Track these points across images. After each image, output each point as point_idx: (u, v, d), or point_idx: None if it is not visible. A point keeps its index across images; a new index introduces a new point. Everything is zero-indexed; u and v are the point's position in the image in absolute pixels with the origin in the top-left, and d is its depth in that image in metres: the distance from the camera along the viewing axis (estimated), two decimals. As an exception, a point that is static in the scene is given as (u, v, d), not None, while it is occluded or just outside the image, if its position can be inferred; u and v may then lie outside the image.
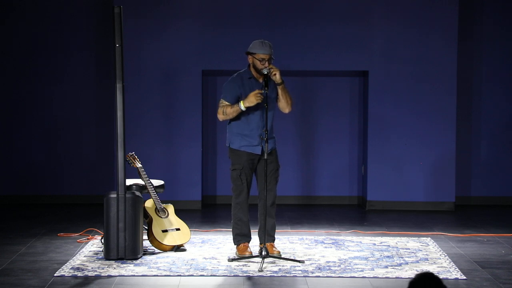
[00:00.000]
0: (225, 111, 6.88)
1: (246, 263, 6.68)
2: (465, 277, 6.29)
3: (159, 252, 7.03)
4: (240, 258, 6.79)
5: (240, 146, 6.89)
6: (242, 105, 6.82)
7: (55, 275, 6.29)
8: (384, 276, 6.32)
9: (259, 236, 6.92)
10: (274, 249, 6.89)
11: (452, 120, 9.55)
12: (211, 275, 6.33)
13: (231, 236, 6.91)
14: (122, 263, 6.65)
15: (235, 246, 6.97)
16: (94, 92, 9.83)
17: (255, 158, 6.90)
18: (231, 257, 6.81)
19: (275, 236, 7.03)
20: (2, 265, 6.59)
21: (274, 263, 6.67)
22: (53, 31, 9.73)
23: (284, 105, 7.01)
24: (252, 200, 7.09)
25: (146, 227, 7.14)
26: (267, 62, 6.83)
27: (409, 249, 7.29)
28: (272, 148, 6.91)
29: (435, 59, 9.53)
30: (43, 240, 7.59)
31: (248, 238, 6.95)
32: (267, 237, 6.80)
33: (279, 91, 6.93)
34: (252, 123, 6.88)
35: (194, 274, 6.35)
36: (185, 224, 7.26)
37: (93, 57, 9.79)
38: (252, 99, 6.79)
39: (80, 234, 7.78)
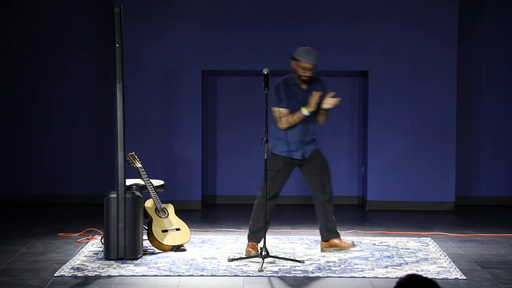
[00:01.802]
0: (289, 120, 6.85)
1: (246, 263, 6.68)
2: (465, 277, 6.29)
3: (159, 252, 7.03)
4: (240, 258, 6.80)
5: (280, 151, 6.93)
6: (306, 111, 6.84)
7: (55, 275, 6.29)
8: (384, 276, 6.32)
9: (321, 234, 7.08)
10: (345, 242, 7.06)
11: (452, 120, 9.55)
12: (211, 275, 6.33)
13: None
14: (122, 263, 6.65)
15: (249, 242, 7.01)
16: (94, 92, 9.83)
17: (294, 163, 6.98)
18: (231, 257, 6.81)
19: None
20: (2, 265, 6.59)
21: (274, 263, 6.67)
22: (53, 31, 9.73)
23: (322, 120, 7.08)
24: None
25: (146, 227, 7.15)
26: (308, 72, 6.85)
27: (409, 249, 7.29)
28: (314, 149, 7.05)
29: (435, 59, 9.53)
30: (43, 240, 7.59)
31: (259, 238, 6.96)
32: (333, 234, 7.03)
33: (323, 111, 6.97)
34: (294, 128, 6.91)
35: (194, 274, 6.35)
36: (185, 224, 7.26)
37: (93, 57, 9.79)
38: (312, 102, 6.83)
39: (80, 234, 7.78)
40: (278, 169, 6.92)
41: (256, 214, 6.98)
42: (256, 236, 6.98)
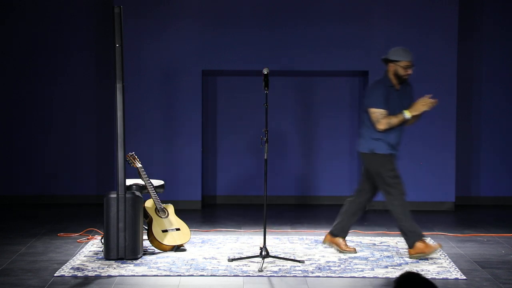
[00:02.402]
0: (390, 121, 6.83)
1: (246, 263, 6.68)
2: (465, 277, 6.29)
3: (159, 252, 7.03)
4: (240, 258, 6.80)
5: (385, 150, 6.89)
6: (408, 114, 6.84)
7: (55, 275, 6.29)
8: (384, 276, 6.33)
9: (334, 227, 7.10)
10: (348, 246, 7.10)
11: (452, 120, 9.55)
12: (211, 275, 6.33)
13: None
14: (122, 263, 6.65)
15: (414, 244, 6.90)
16: (94, 92, 9.83)
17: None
18: (231, 257, 6.81)
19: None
20: (2, 265, 6.59)
21: (274, 263, 6.67)
22: (53, 31, 9.73)
23: (412, 122, 7.05)
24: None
25: (146, 227, 7.14)
26: (410, 70, 6.84)
27: (409, 249, 7.29)
28: None
29: (435, 59, 9.53)
30: (43, 240, 7.59)
31: (420, 234, 6.92)
32: (344, 234, 7.10)
33: (413, 118, 6.96)
34: (394, 129, 6.89)
35: (194, 274, 6.35)
36: (185, 224, 7.26)
37: (93, 57, 9.79)
38: (419, 107, 6.84)
39: (80, 234, 7.78)
40: (396, 167, 6.92)
41: (405, 214, 6.89)
42: (416, 233, 6.88)
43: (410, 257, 6.88)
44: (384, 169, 6.87)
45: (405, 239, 6.94)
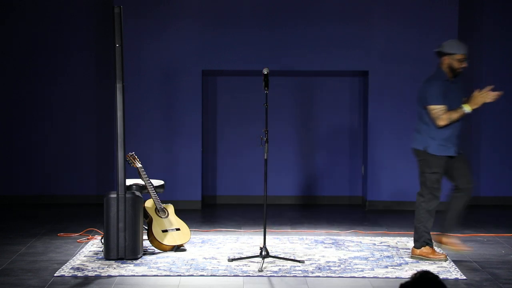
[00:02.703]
0: (450, 117, 6.71)
1: (246, 263, 6.68)
2: (465, 277, 6.29)
3: (159, 252, 7.03)
4: (240, 258, 6.80)
5: (439, 150, 6.79)
6: (468, 108, 6.73)
7: (55, 275, 6.29)
8: (384, 276, 6.32)
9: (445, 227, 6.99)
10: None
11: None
12: (211, 275, 6.33)
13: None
14: (122, 263, 6.65)
15: (422, 247, 6.87)
16: (94, 92, 9.83)
17: (449, 161, 6.87)
18: (231, 257, 6.81)
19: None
20: (2, 265, 6.59)
21: (274, 263, 6.67)
22: (53, 31, 9.73)
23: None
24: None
25: (146, 227, 7.14)
26: (465, 63, 6.77)
27: (409, 249, 7.28)
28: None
29: (435, 59, 9.50)
30: (43, 240, 7.59)
31: (449, 228, 6.94)
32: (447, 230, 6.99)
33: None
34: (451, 125, 6.78)
35: (194, 274, 6.35)
36: (185, 224, 7.25)
37: (93, 57, 9.79)
38: (479, 100, 6.73)
39: (80, 234, 7.78)
40: (443, 170, 6.83)
41: (425, 226, 6.81)
42: (428, 239, 6.84)
43: (412, 257, 6.88)
44: (429, 170, 6.78)
45: (415, 238, 6.90)
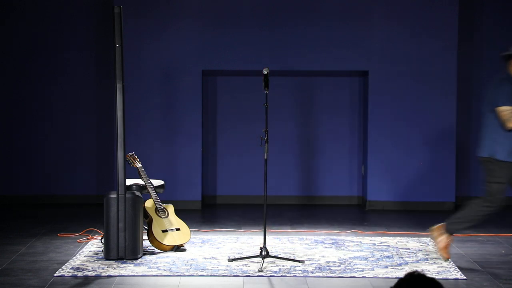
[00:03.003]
0: None
1: (246, 263, 6.68)
2: (465, 277, 6.29)
3: (159, 252, 7.03)
4: (240, 258, 6.80)
5: (506, 157, 6.54)
6: None
7: (55, 275, 6.29)
8: (384, 276, 6.32)
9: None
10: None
11: (452, 120, 9.55)
12: (211, 275, 6.33)
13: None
14: (122, 263, 6.65)
15: (447, 234, 6.75)
16: (94, 92, 9.83)
17: None
18: (231, 257, 6.81)
19: None
20: (2, 265, 6.59)
21: (274, 263, 6.67)
22: (53, 31, 9.73)
23: None
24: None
25: (146, 227, 7.15)
26: None
27: (409, 249, 7.29)
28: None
29: (435, 59, 9.53)
30: (43, 240, 7.59)
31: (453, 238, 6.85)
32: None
33: None
34: None
35: (194, 274, 6.35)
36: (185, 224, 7.26)
37: (93, 57, 9.79)
38: None
39: (80, 234, 7.78)
40: (508, 179, 6.56)
41: (468, 221, 6.70)
42: (453, 231, 6.76)
43: (430, 229, 6.78)
44: (493, 178, 6.56)
45: (453, 221, 6.71)
